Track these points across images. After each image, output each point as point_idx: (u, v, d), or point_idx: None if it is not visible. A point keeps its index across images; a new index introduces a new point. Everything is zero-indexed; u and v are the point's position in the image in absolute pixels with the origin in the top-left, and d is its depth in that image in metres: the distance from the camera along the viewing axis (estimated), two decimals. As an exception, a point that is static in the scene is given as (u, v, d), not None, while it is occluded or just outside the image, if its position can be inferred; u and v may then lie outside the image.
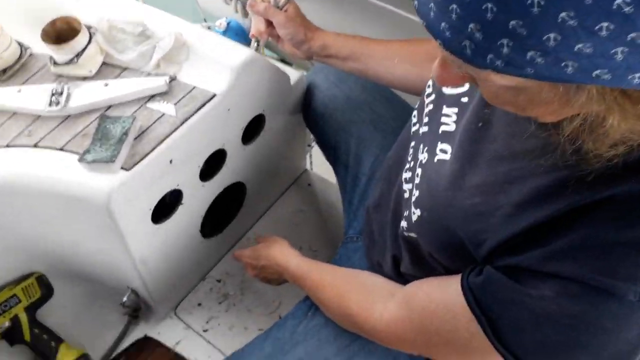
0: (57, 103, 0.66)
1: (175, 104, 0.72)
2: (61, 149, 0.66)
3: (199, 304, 1.03)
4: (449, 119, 0.55)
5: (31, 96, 0.67)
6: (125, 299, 0.89)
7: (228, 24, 1.57)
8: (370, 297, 0.60)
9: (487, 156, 0.48)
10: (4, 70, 0.68)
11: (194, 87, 0.73)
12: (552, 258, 0.40)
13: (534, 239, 0.42)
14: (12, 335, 0.88)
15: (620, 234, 0.38)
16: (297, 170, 1.19)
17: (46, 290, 0.90)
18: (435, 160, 0.54)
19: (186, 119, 0.71)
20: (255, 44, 0.79)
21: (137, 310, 0.95)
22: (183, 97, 0.72)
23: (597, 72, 0.30)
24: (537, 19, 0.28)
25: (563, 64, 0.30)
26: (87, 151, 0.65)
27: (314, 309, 0.72)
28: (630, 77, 0.29)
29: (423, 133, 0.59)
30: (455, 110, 0.54)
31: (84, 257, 0.85)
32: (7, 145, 0.66)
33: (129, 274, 0.84)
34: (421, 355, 0.58)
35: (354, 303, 0.61)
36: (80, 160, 0.65)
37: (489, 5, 0.29)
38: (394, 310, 0.56)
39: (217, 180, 0.87)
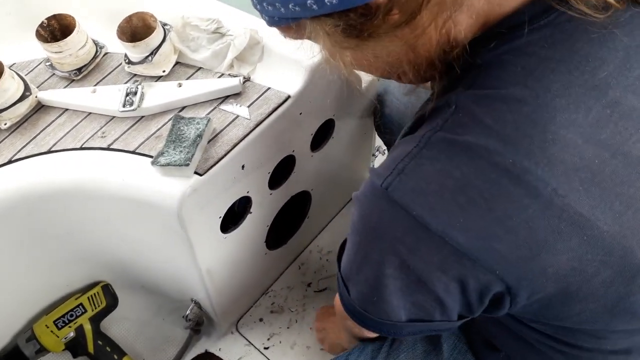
0: (131, 103, 0.64)
1: (249, 106, 0.68)
2: (134, 152, 0.64)
3: (261, 319, 0.99)
4: None
5: (105, 96, 0.66)
6: (188, 311, 0.86)
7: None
8: None
9: None
10: (80, 69, 0.67)
11: (268, 88, 0.70)
12: None
13: None
14: (76, 347, 0.86)
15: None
16: (360, 180, 1.13)
17: (111, 300, 0.88)
18: None
19: (260, 122, 0.67)
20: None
21: (200, 324, 0.91)
22: (257, 98, 0.69)
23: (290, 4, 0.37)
24: None
25: (276, 5, 0.37)
26: (161, 153, 0.62)
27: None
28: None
29: None
30: None
31: (150, 265, 0.83)
32: (81, 147, 0.64)
33: (194, 284, 0.81)
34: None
35: None
36: (154, 163, 0.62)
37: None
38: None
39: (284, 188, 0.83)
